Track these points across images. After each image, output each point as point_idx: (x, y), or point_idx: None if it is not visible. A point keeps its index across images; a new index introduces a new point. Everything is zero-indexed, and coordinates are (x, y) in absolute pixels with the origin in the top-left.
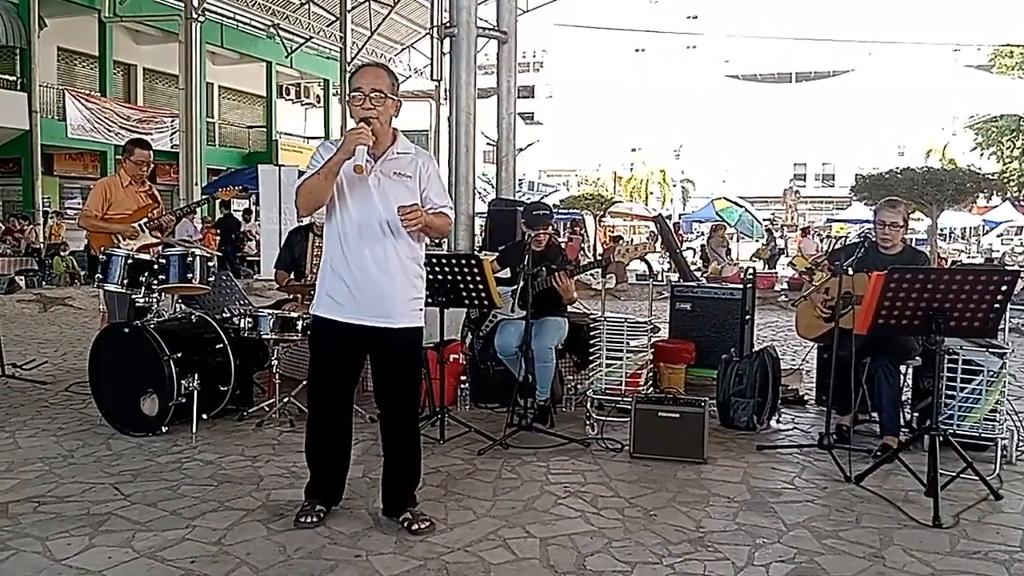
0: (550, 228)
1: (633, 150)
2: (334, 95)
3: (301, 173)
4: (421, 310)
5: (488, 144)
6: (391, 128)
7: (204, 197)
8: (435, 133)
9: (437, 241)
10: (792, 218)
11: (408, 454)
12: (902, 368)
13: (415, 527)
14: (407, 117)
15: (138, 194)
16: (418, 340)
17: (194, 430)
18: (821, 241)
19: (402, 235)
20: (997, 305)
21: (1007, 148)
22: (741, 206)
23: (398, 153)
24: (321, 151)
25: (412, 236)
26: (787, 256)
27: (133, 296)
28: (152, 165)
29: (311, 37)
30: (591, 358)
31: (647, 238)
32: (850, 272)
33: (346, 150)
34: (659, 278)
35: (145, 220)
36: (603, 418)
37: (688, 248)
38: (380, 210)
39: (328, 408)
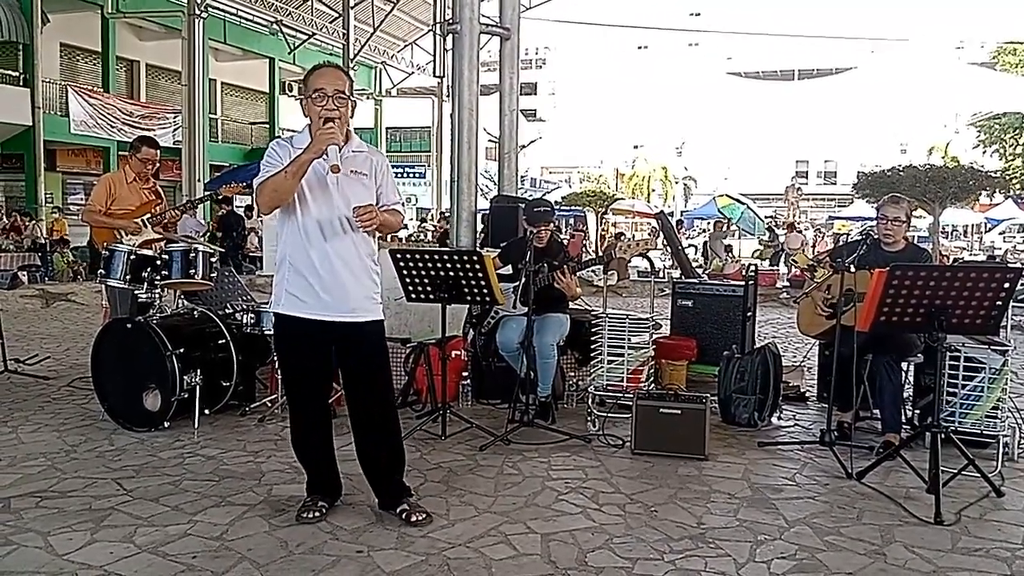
0: (551, 225)
1: (635, 147)
2: None
3: None
4: (380, 303)
5: (490, 141)
6: (346, 128)
7: (207, 193)
8: (437, 130)
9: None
10: (794, 215)
11: (388, 444)
12: (904, 365)
13: (413, 518)
14: (409, 114)
15: (142, 190)
16: (383, 332)
17: (196, 425)
18: (814, 237)
19: (360, 231)
20: (999, 302)
21: (1010, 145)
22: (743, 203)
23: (353, 151)
24: (276, 150)
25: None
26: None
27: (135, 291)
28: (158, 164)
29: (314, 34)
30: (592, 354)
31: (649, 235)
32: (852, 269)
33: (316, 149)
34: (661, 275)
35: (148, 216)
36: (604, 414)
37: (690, 245)
38: (341, 207)
39: (306, 402)
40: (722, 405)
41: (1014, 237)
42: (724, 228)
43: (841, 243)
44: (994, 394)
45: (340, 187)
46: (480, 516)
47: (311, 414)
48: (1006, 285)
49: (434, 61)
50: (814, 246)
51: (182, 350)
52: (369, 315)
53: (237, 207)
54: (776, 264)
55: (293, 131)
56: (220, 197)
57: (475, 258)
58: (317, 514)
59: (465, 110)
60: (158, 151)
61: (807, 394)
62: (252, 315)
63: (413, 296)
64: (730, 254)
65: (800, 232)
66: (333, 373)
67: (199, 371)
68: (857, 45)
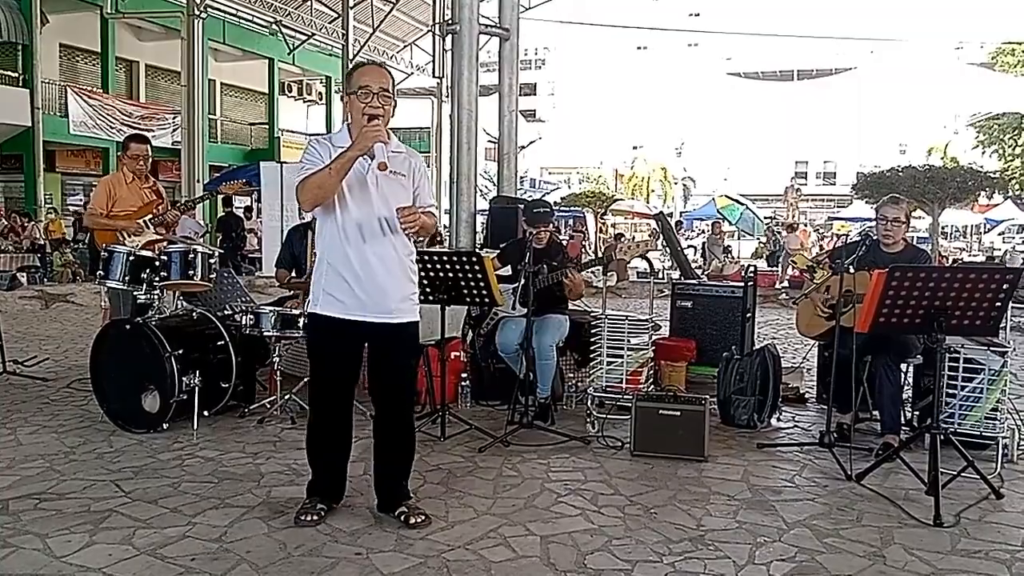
0: (551, 226)
1: (635, 148)
2: (336, 92)
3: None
4: (417, 305)
5: (490, 141)
6: (387, 128)
7: (206, 192)
8: (437, 130)
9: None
10: (793, 216)
11: (405, 447)
12: (903, 366)
13: (412, 520)
14: (409, 114)
15: (142, 190)
16: (417, 334)
17: (195, 427)
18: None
19: (399, 232)
20: (999, 304)
21: (1009, 146)
22: (742, 204)
23: (393, 152)
24: (316, 147)
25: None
26: (788, 252)
27: (135, 293)
28: (150, 159)
29: (313, 34)
30: (592, 356)
31: (648, 235)
32: (851, 270)
33: (362, 147)
34: (660, 276)
35: (150, 216)
36: (604, 416)
37: (689, 246)
38: (380, 207)
39: (331, 404)
40: (721, 406)
41: (1013, 238)
42: (720, 231)
43: (841, 244)
44: (993, 395)
45: (380, 187)
46: (479, 518)
47: (335, 414)
48: (1005, 286)
49: (433, 62)
50: (822, 248)
51: (181, 351)
52: (406, 316)
53: (236, 208)
54: (775, 265)
55: (292, 132)
56: (220, 196)
57: (474, 259)
58: (315, 517)
59: (464, 111)
60: (146, 146)
61: (806, 395)
62: (251, 316)
63: None
64: (728, 255)
65: (803, 231)
66: (359, 374)
67: (198, 372)
68: (856, 46)
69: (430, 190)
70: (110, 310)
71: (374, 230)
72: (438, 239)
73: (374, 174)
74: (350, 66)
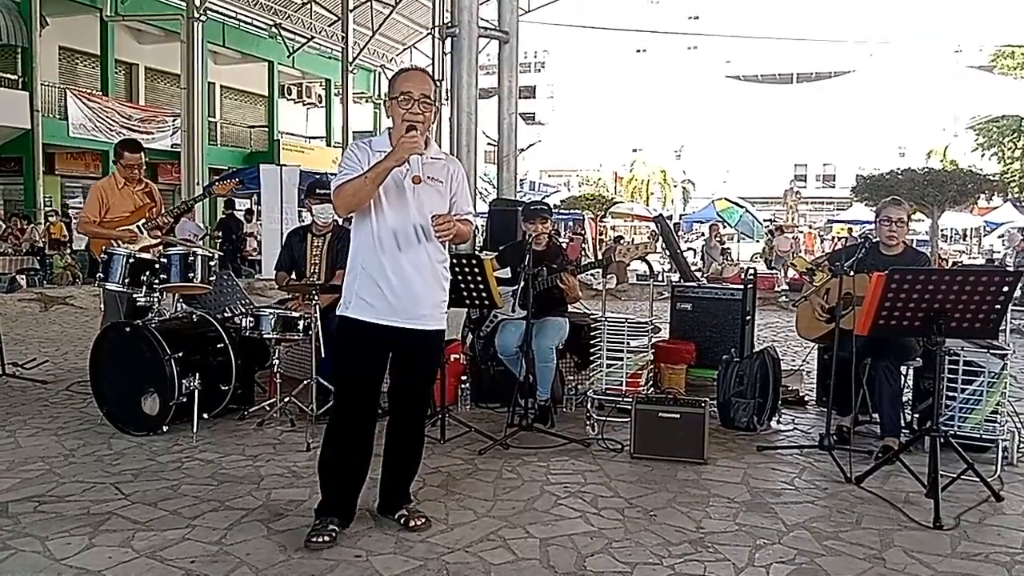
0: (550, 227)
1: (634, 150)
2: (336, 95)
3: (304, 173)
4: (445, 313)
5: (489, 144)
6: (427, 134)
7: (200, 194)
8: (436, 133)
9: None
10: (793, 219)
11: (414, 453)
12: (903, 369)
13: (412, 523)
14: None
15: (135, 194)
16: (442, 341)
17: (195, 430)
18: (808, 238)
19: (434, 239)
20: (998, 306)
21: (1008, 149)
22: (742, 207)
23: (432, 158)
24: (356, 152)
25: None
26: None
27: (134, 295)
28: (144, 165)
29: (313, 37)
30: (591, 358)
31: (648, 238)
32: (851, 273)
33: (398, 158)
34: (660, 278)
35: (143, 221)
36: (603, 418)
37: (689, 248)
38: (416, 215)
39: (355, 410)
40: (721, 409)
41: (1013, 240)
42: (718, 234)
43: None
44: (993, 398)
45: (416, 194)
46: (479, 520)
47: (358, 420)
48: (1005, 289)
49: (433, 64)
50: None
51: (181, 354)
52: (435, 323)
53: (237, 211)
54: (775, 267)
55: (292, 134)
56: (213, 197)
57: (473, 261)
58: (327, 538)
59: (464, 113)
60: (140, 153)
61: (806, 398)
62: (251, 319)
63: None
64: (727, 258)
65: (807, 235)
66: (383, 381)
67: (198, 375)
68: (855, 48)
69: (468, 197)
70: (105, 313)
71: (409, 237)
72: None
73: (411, 181)
74: (351, 69)
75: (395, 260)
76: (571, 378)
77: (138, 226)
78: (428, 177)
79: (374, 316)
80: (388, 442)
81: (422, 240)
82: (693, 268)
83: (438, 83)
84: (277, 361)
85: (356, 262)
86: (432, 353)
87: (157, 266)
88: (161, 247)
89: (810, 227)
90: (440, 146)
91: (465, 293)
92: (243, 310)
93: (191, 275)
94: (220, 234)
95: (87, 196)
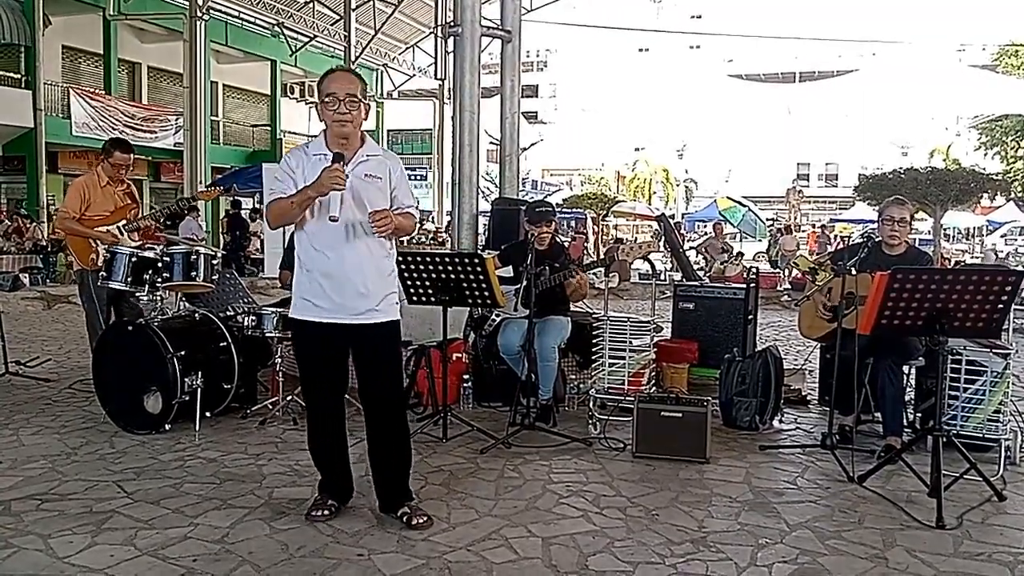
0: (552, 226)
1: (636, 149)
2: None
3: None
4: (396, 304)
5: (492, 143)
6: (360, 131)
7: (182, 197)
8: (439, 132)
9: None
10: (795, 218)
11: (398, 445)
12: (905, 368)
13: (414, 521)
14: (411, 116)
15: (116, 194)
16: (397, 332)
17: (197, 428)
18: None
19: (375, 235)
20: (1001, 306)
21: (1011, 148)
22: (744, 206)
23: (368, 155)
24: (290, 161)
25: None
26: (784, 253)
27: (135, 294)
28: (130, 167)
29: (315, 36)
30: (594, 357)
31: (651, 237)
32: (853, 272)
33: (319, 190)
34: (662, 277)
35: (124, 222)
36: (605, 417)
37: (691, 248)
38: (355, 212)
39: (322, 407)
40: (723, 408)
41: (1016, 239)
42: (720, 236)
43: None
44: (996, 398)
45: (354, 191)
46: (481, 519)
47: (324, 417)
48: (1008, 288)
49: (435, 63)
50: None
51: (183, 352)
52: (383, 316)
53: (242, 210)
54: (777, 267)
55: (294, 133)
56: (194, 203)
57: (476, 260)
58: (326, 512)
59: (466, 112)
60: (130, 155)
61: (808, 397)
62: (253, 317)
63: (414, 298)
64: (729, 256)
65: (812, 234)
66: (348, 376)
67: (200, 373)
68: (858, 47)
69: (408, 192)
70: (87, 314)
71: (348, 235)
72: (439, 239)
73: (348, 179)
74: (352, 68)
75: (336, 258)
76: (573, 377)
77: (119, 227)
78: (365, 174)
79: (319, 316)
80: (371, 442)
81: (361, 236)
82: (695, 267)
83: (365, 82)
84: (279, 360)
85: (300, 263)
86: (388, 343)
87: (160, 264)
88: (164, 246)
89: (813, 226)
90: (443, 145)
91: (467, 292)
92: (246, 309)
93: (194, 273)
94: (228, 235)
95: (68, 192)
